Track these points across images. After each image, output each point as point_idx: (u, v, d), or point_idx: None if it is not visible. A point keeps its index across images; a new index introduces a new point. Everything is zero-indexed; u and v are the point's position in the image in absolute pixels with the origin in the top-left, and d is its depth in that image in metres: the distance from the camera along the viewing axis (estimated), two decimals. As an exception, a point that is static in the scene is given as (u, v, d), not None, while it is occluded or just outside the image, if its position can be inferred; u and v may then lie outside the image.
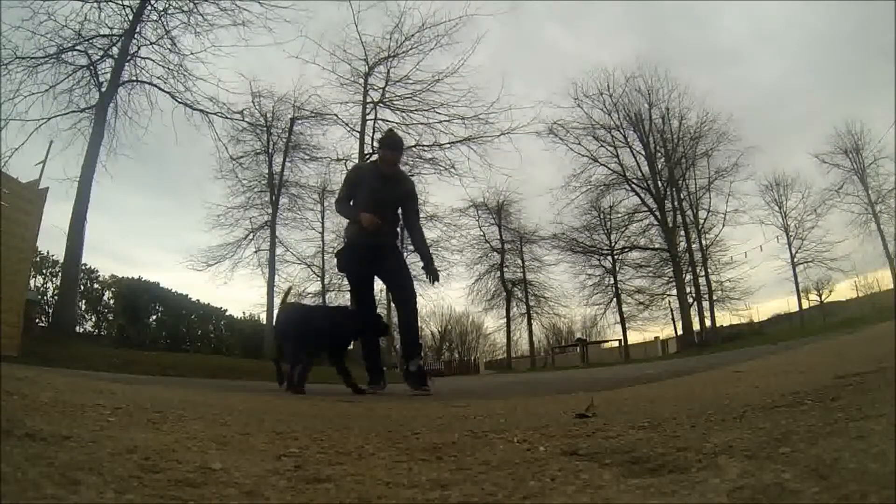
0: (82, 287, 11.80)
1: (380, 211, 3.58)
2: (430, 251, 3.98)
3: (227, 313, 17.22)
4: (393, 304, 3.94)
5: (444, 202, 25.86)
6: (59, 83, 10.55)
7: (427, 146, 15.17)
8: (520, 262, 28.08)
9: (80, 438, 0.86)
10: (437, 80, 14.39)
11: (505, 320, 28.29)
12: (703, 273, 23.02)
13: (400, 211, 3.86)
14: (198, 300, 15.74)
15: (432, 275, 3.78)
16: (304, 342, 3.40)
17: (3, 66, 9.92)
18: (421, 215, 4.32)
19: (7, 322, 5.26)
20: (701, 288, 22.84)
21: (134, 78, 11.43)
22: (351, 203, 3.75)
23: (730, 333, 23.03)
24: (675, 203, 22.95)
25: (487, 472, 0.80)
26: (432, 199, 20.59)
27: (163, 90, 11.69)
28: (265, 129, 16.57)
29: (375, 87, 14.89)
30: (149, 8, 10.97)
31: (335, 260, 4.03)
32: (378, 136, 13.44)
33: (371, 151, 13.75)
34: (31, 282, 9.50)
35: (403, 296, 3.73)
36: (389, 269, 3.76)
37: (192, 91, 11.90)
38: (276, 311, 4.16)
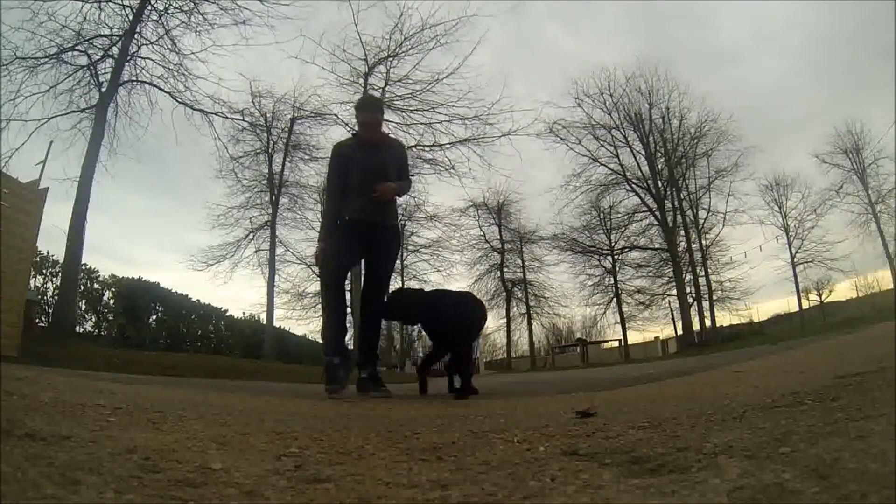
0: (82, 287, 11.78)
1: (378, 181, 3.24)
2: (403, 189, 3.54)
3: (227, 313, 17.26)
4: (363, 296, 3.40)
5: (444, 202, 25.78)
6: (60, 83, 10.56)
7: (427, 146, 15.17)
8: (520, 262, 28.08)
9: (80, 438, 0.86)
10: (437, 81, 14.36)
11: (505, 320, 28.30)
12: (703, 273, 23.03)
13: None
14: (198, 300, 15.77)
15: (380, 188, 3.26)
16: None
17: (4, 66, 9.93)
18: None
19: (7, 322, 5.26)
20: (701, 288, 22.85)
21: (134, 78, 11.43)
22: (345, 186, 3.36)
23: (730, 333, 23.03)
24: (675, 203, 22.95)
25: (487, 472, 0.80)
26: (432, 199, 20.62)
27: (163, 90, 11.69)
28: (265, 129, 16.59)
29: (375, 87, 14.87)
30: (149, 8, 10.98)
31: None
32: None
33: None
34: (31, 282, 9.49)
35: (376, 288, 3.37)
36: (376, 254, 3.36)
37: (192, 91, 11.91)
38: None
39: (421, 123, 14.91)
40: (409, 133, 14.85)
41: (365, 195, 3.23)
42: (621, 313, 25.79)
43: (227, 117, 13.08)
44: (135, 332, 12.50)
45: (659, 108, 23.43)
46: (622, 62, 40.77)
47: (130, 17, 10.74)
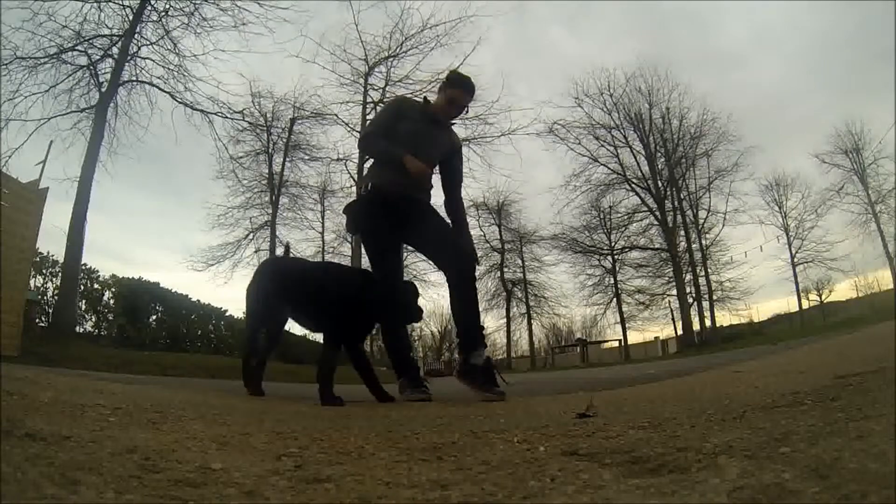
0: (82, 287, 11.80)
1: (424, 161, 2.78)
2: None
3: (227, 313, 17.24)
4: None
5: (444, 202, 25.75)
6: (60, 83, 10.60)
7: (427, 146, 15.18)
8: (520, 262, 28.13)
9: (80, 438, 0.86)
10: (437, 81, 14.39)
11: (505, 320, 28.34)
12: (703, 273, 23.05)
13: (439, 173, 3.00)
14: (198, 300, 15.76)
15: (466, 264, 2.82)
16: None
17: (4, 66, 9.94)
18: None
19: (7, 322, 5.26)
20: (701, 288, 22.89)
21: (134, 78, 11.45)
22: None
23: (730, 333, 23.05)
24: (675, 203, 22.99)
25: (487, 472, 0.79)
26: (432, 199, 20.60)
27: (163, 90, 11.73)
28: (265, 129, 16.62)
29: (375, 87, 14.91)
30: (149, 8, 10.98)
31: (345, 218, 3.06)
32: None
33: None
34: (31, 282, 9.50)
35: (462, 263, 2.85)
36: (432, 231, 2.90)
37: (192, 91, 11.95)
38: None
39: (421, 123, 14.92)
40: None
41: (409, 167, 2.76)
42: (621, 313, 25.84)
43: (227, 117, 13.13)
44: (135, 332, 12.49)
45: (659, 108, 23.52)
46: (622, 62, 40.84)
47: (130, 18, 10.76)
